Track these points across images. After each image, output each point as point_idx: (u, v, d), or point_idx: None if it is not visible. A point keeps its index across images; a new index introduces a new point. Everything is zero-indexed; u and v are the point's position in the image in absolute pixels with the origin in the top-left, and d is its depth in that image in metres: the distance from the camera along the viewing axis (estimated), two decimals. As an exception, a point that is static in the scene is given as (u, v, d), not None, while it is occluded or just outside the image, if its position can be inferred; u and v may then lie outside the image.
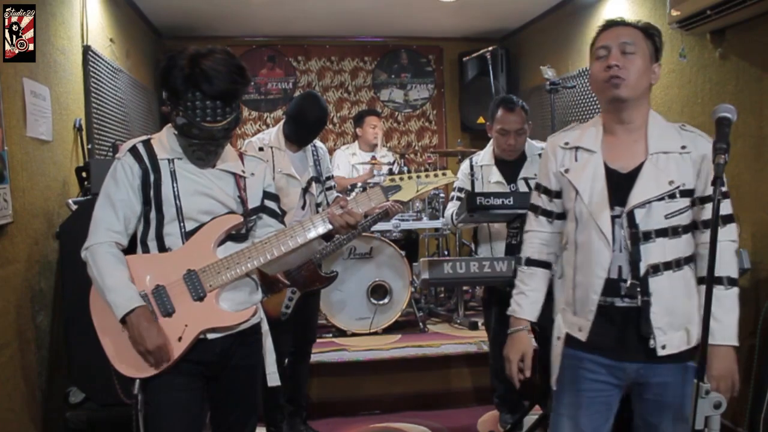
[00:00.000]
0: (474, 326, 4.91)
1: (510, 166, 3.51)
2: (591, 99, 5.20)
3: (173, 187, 2.14)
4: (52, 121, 3.47)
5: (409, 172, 2.18)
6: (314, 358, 4.03)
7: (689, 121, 3.98)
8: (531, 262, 2.22)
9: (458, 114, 7.11)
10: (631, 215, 1.98)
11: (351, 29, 6.80)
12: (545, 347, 3.63)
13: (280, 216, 2.37)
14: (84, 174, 3.59)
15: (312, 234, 2.20)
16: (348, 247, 4.73)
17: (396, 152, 6.00)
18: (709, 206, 1.97)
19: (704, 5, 3.39)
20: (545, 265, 2.22)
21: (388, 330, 4.83)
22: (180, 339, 2.08)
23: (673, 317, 1.99)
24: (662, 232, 1.98)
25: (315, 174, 3.58)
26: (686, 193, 2.00)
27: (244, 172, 2.27)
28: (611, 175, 2.04)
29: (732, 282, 2.03)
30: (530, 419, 3.45)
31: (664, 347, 1.96)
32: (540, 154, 3.49)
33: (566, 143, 2.15)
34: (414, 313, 5.01)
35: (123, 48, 5.00)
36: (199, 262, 2.13)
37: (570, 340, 2.09)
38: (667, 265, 1.98)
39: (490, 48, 5.76)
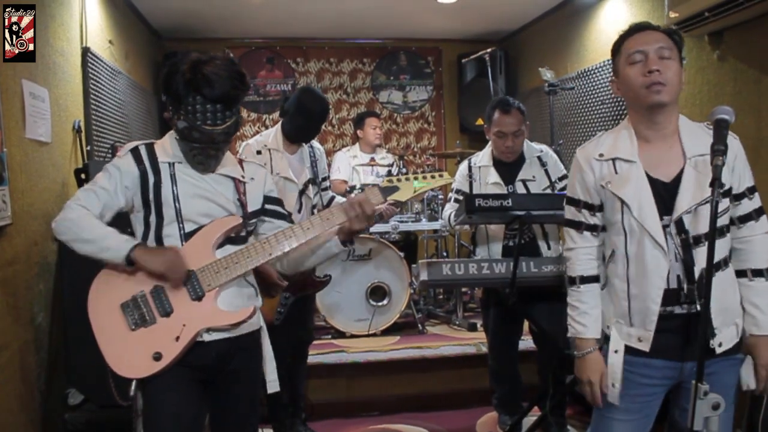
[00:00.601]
0: (473, 327, 4.91)
1: (508, 167, 3.51)
2: (590, 100, 5.21)
3: (173, 190, 2.15)
4: (51, 122, 3.47)
5: (406, 173, 2.17)
6: (313, 359, 4.03)
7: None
8: (585, 280, 2.18)
9: (457, 115, 7.12)
10: (680, 222, 1.99)
11: (350, 31, 6.81)
12: (546, 349, 3.66)
13: (286, 216, 2.38)
14: (83, 176, 3.58)
15: (311, 233, 2.19)
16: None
17: (395, 154, 6.00)
18: (744, 202, 2.04)
19: (702, 7, 3.39)
20: (597, 279, 2.19)
21: (387, 331, 4.83)
22: (177, 339, 2.09)
23: (726, 315, 2.02)
24: (709, 235, 1.93)
25: (312, 176, 3.59)
26: (726, 193, 2.01)
27: (243, 177, 2.28)
28: (654, 184, 2.03)
29: (764, 274, 2.05)
30: (529, 420, 3.45)
31: (720, 344, 1.99)
32: (539, 156, 3.51)
33: (601, 155, 2.12)
34: (413, 315, 5.01)
35: (122, 50, 5.00)
36: (197, 262, 2.14)
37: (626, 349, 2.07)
38: (717, 266, 1.99)
39: (489, 50, 5.77)
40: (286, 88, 7.03)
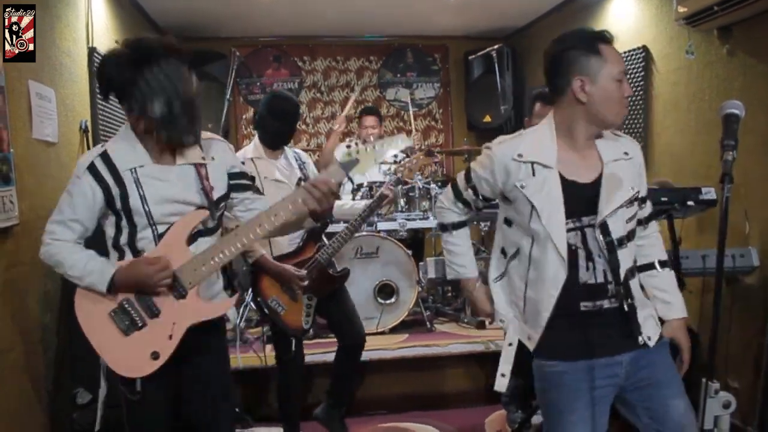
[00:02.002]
0: (481, 325, 4.89)
1: None
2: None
3: (140, 197, 2.14)
4: (57, 123, 3.48)
5: (365, 143, 2.18)
6: (321, 357, 4.03)
7: (696, 118, 4.01)
8: (456, 226, 2.40)
9: (464, 113, 7.09)
10: (604, 225, 2.03)
11: (356, 29, 6.80)
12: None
13: (251, 186, 2.39)
14: (90, 175, 3.58)
15: (282, 217, 2.16)
16: (354, 247, 4.73)
17: (402, 151, 5.98)
18: (647, 204, 2.21)
19: (711, 1, 3.37)
20: (465, 224, 2.42)
21: (395, 329, 4.82)
22: (170, 337, 2.15)
23: (643, 310, 2.11)
24: (628, 237, 2.08)
25: (302, 176, 3.58)
26: (636, 198, 2.11)
27: (204, 158, 2.25)
28: (570, 186, 2.06)
29: (668, 264, 2.24)
30: (538, 418, 3.43)
31: (649, 338, 2.07)
32: None
33: (520, 155, 2.12)
34: (421, 313, 4.99)
35: (128, 49, 5.00)
36: (174, 261, 2.15)
37: (562, 353, 2.08)
38: (640, 268, 2.17)
39: (496, 46, 5.76)
40: (293, 86, 7.03)
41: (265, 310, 3.37)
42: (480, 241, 5.97)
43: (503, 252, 2.25)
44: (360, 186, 5.18)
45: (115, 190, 2.13)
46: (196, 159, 2.24)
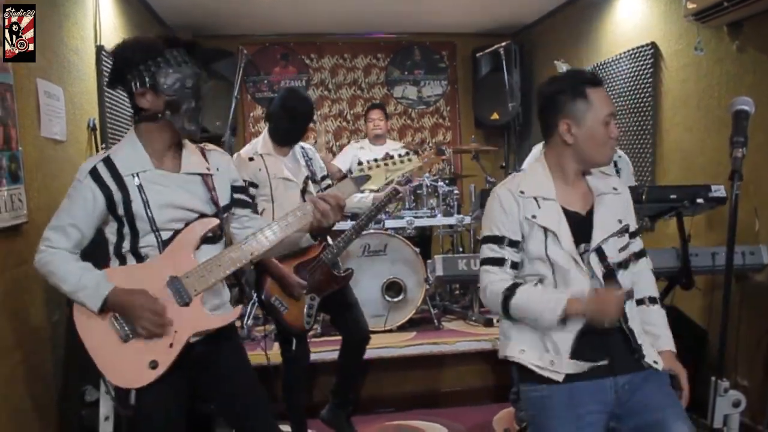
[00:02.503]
0: (489, 323, 4.88)
1: None
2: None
3: (144, 203, 2.12)
4: (66, 121, 3.48)
5: (377, 161, 2.21)
6: (329, 356, 4.03)
7: (705, 115, 3.98)
8: (511, 288, 2.16)
9: (472, 110, 7.08)
10: (600, 251, 2.13)
11: (363, 26, 6.79)
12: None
13: (251, 204, 2.42)
14: (98, 173, 3.59)
15: (295, 226, 2.18)
16: (362, 245, 4.73)
17: (409, 149, 5.98)
18: (637, 240, 2.27)
19: (721, -3, 3.34)
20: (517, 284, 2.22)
21: (403, 327, 4.82)
22: (171, 345, 2.10)
23: (643, 336, 2.15)
24: (620, 265, 2.18)
25: (309, 174, 3.57)
26: (626, 230, 2.21)
27: (209, 169, 2.26)
28: (571, 217, 2.17)
29: (657, 301, 2.28)
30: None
31: (655, 362, 2.09)
32: (615, 161, 3.50)
33: (522, 192, 2.20)
34: (429, 311, 4.99)
35: (136, 47, 5.01)
36: (180, 268, 2.13)
37: (548, 379, 2.08)
38: (629, 294, 2.15)
39: (504, 43, 5.73)
40: (301, 84, 7.03)
41: (268, 308, 3.37)
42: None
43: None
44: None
45: (118, 196, 2.12)
46: (202, 169, 2.25)
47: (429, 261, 4.77)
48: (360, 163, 2.18)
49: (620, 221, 2.19)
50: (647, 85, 4.56)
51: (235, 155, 3.58)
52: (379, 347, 4.31)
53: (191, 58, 2.17)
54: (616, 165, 3.47)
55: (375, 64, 7.20)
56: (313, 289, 3.39)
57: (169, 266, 2.13)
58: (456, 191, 5.30)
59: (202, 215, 2.20)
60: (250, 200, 2.43)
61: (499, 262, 2.19)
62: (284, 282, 3.29)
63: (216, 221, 2.20)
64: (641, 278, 2.26)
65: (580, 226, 2.15)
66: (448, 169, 7.02)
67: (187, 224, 2.17)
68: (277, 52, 7.00)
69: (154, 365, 2.08)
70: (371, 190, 3.72)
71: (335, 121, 7.12)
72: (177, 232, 2.16)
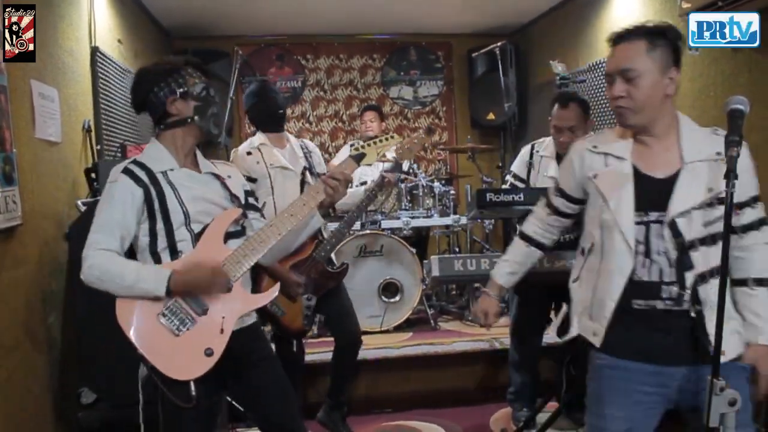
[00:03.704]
0: (486, 323, 4.87)
1: None
2: (602, 93, 5.16)
3: (177, 196, 2.22)
4: (60, 122, 3.47)
5: (365, 142, 2.51)
6: (325, 356, 4.02)
7: (701, 115, 3.97)
8: (521, 235, 2.39)
9: (468, 110, 7.08)
10: (673, 225, 1.96)
11: (359, 27, 6.79)
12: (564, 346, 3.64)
13: (259, 209, 2.54)
14: (93, 175, 3.59)
15: (311, 204, 2.35)
16: (358, 245, 4.72)
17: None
18: (747, 211, 2.01)
19: (715, -3, 3.35)
20: (529, 240, 2.38)
21: (399, 328, 4.81)
22: (222, 331, 2.18)
23: (727, 323, 1.89)
24: (703, 241, 1.96)
25: (307, 165, 3.58)
26: (716, 199, 1.95)
27: (221, 176, 2.41)
28: (644, 180, 2.02)
29: (766, 283, 2.01)
30: (543, 416, 3.43)
31: (723, 353, 1.85)
32: None
33: (594, 147, 2.15)
34: (425, 311, 4.99)
35: (131, 49, 5.00)
36: (216, 257, 2.22)
37: (612, 348, 2.04)
38: (712, 273, 1.95)
39: (500, 43, 5.73)
40: (297, 84, 7.02)
41: (265, 313, 3.36)
42: (484, 239, 5.96)
43: (582, 251, 2.21)
44: (363, 184, 5.17)
45: (153, 190, 2.20)
46: (220, 172, 2.40)
47: (425, 261, 4.77)
48: (352, 144, 2.37)
49: (710, 190, 1.95)
50: (643, 84, 4.56)
51: (233, 152, 3.62)
52: (375, 348, 4.31)
53: (202, 69, 2.36)
54: None
55: (371, 65, 7.20)
56: (309, 289, 3.39)
57: (205, 257, 2.22)
58: (452, 191, 5.30)
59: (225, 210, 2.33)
60: (259, 206, 2.58)
61: (548, 204, 2.34)
62: (282, 280, 3.28)
63: (240, 210, 2.33)
64: (750, 255, 2.01)
65: (655, 192, 1.99)
66: (444, 170, 7.04)
67: (214, 219, 2.28)
68: (272, 53, 6.99)
69: (209, 353, 2.15)
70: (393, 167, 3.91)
71: (331, 122, 7.12)
72: (206, 226, 2.25)
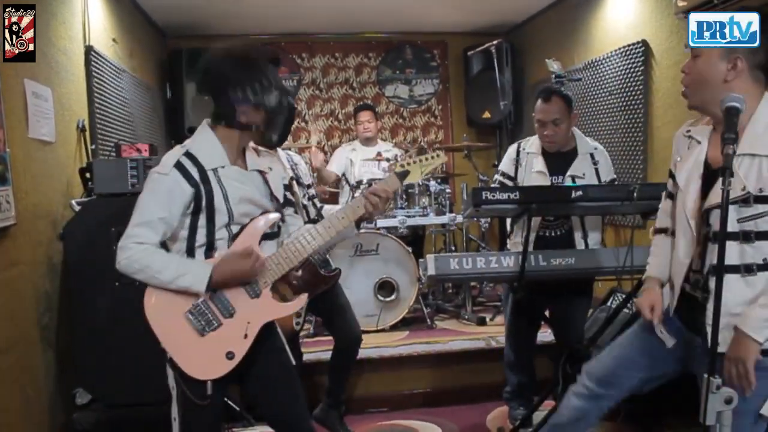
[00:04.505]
0: (482, 322, 4.88)
1: (559, 158, 3.43)
2: (597, 91, 5.16)
3: (224, 196, 2.18)
4: (54, 122, 3.46)
5: (411, 157, 2.49)
6: (321, 356, 4.02)
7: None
8: (657, 231, 2.43)
9: (464, 109, 7.07)
10: (706, 214, 2.04)
11: (355, 25, 6.78)
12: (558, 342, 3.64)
13: (293, 203, 2.52)
14: (88, 174, 3.57)
15: (350, 218, 2.33)
16: (354, 244, 4.71)
17: (401, 148, 5.99)
18: None
19: (711, -6, 3.34)
20: (666, 231, 2.37)
21: (396, 327, 4.81)
22: (246, 336, 2.19)
23: (733, 319, 1.96)
24: (733, 236, 1.97)
25: (294, 176, 3.57)
26: (763, 199, 1.95)
27: (264, 171, 2.37)
28: (709, 170, 2.09)
29: None
30: (539, 415, 3.42)
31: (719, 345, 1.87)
32: (592, 153, 3.45)
33: (687, 131, 2.24)
34: (421, 310, 4.99)
35: (126, 48, 4.99)
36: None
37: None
38: (734, 269, 1.97)
39: (495, 42, 5.73)
40: (292, 83, 7.01)
41: None
42: (481, 237, 5.96)
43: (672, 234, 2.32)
44: (359, 183, 5.16)
45: (202, 188, 2.15)
46: (263, 167, 2.35)
47: (421, 260, 4.74)
48: (396, 160, 2.37)
49: (743, 189, 1.95)
50: (638, 82, 4.56)
51: None
52: (372, 347, 4.30)
53: (278, 66, 2.31)
54: (593, 157, 3.46)
55: (366, 64, 7.19)
56: (301, 290, 3.37)
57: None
58: (448, 190, 5.29)
59: (265, 211, 2.30)
60: (293, 199, 2.54)
61: (666, 190, 2.39)
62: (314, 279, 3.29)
63: (278, 216, 2.32)
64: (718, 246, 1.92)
65: (709, 181, 2.06)
66: (440, 168, 7.02)
67: (251, 219, 2.25)
68: (268, 52, 6.96)
69: (231, 356, 2.16)
70: (360, 183, 3.85)
71: (327, 121, 7.11)
72: (243, 227, 2.23)
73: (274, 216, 2.30)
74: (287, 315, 2.32)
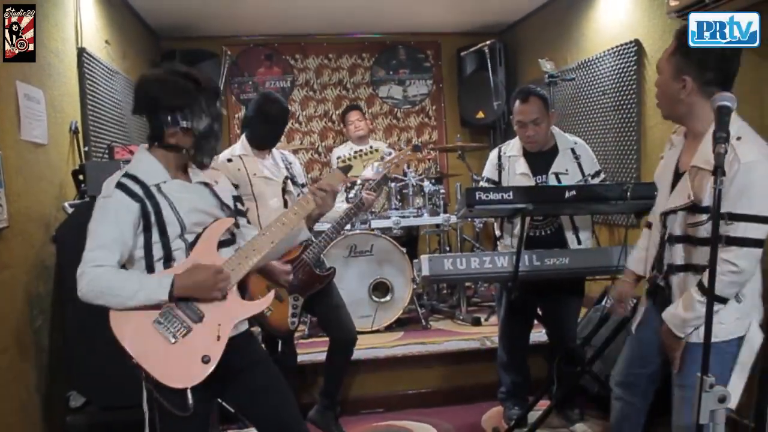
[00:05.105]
0: (477, 322, 4.88)
1: (540, 158, 3.45)
2: (590, 91, 5.16)
3: (172, 208, 2.20)
4: (47, 124, 3.45)
5: (351, 155, 2.66)
6: (316, 357, 4.02)
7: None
8: (645, 225, 2.65)
9: (457, 109, 7.07)
10: (664, 217, 2.32)
11: (348, 26, 6.78)
12: (552, 342, 3.65)
13: (245, 214, 2.54)
14: (80, 177, 3.56)
15: (302, 213, 2.43)
16: (348, 245, 4.71)
17: (395, 148, 5.98)
18: (731, 225, 2.08)
19: (703, -6, 3.35)
20: (649, 226, 2.60)
21: (390, 328, 4.81)
22: (218, 338, 2.18)
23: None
24: (681, 239, 2.25)
25: (288, 175, 3.57)
26: (704, 210, 2.14)
27: (210, 183, 2.40)
28: (677, 171, 2.33)
29: (705, 292, 2.09)
30: (534, 415, 3.43)
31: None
32: (572, 149, 3.46)
33: (673, 132, 2.45)
34: (416, 310, 4.98)
35: (119, 49, 4.97)
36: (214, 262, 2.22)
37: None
38: (683, 268, 2.25)
39: (488, 42, 5.73)
40: (285, 84, 7.00)
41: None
42: (475, 238, 5.96)
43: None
44: (353, 184, 5.16)
45: (148, 204, 2.16)
46: (209, 180, 2.38)
47: (415, 261, 4.75)
48: (339, 157, 2.42)
49: (689, 197, 2.17)
50: (631, 82, 4.57)
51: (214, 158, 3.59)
52: (366, 348, 4.30)
53: (215, 98, 2.32)
54: (574, 152, 3.47)
55: (360, 64, 7.19)
56: (296, 289, 3.38)
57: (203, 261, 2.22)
58: (442, 190, 5.29)
59: (217, 219, 2.32)
60: (245, 210, 2.55)
61: None
62: (267, 271, 3.27)
63: (232, 220, 2.34)
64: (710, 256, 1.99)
65: (675, 186, 2.30)
66: (434, 169, 7.03)
67: (205, 228, 2.27)
68: (261, 53, 6.97)
69: (206, 359, 2.14)
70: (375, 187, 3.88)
71: (320, 122, 7.10)
72: (199, 235, 2.25)
73: (228, 220, 2.32)
74: (255, 313, 2.32)
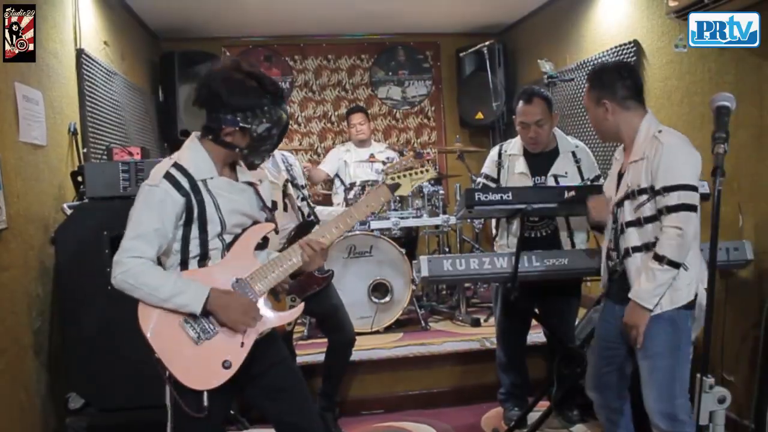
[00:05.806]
0: (476, 323, 4.88)
1: (541, 159, 3.44)
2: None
3: (216, 206, 2.19)
4: (45, 125, 3.45)
5: (402, 171, 2.55)
6: (316, 358, 4.01)
7: (689, 112, 3.99)
8: None
9: (456, 110, 7.07)
10: (615, 211, 2.61)
11: (347, 27, 6.77)
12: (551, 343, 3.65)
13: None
14: (79, 178, 3.56)
15: (349, 224, 2.42)
16: (348, 246, 4.71)
17: (394, 149, 5.98)
18: (667, 195, 2.40)
19: (702, -6, 3.34)
20: None
21: (390, 329, 4.80)
22: (242, 344, 2.17)
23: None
24: (632, 223, 2.53)
25: (289, 177, 3.57)
26: (642, 191, 2.47)
27: (255, 183, 2.39)
28: (620, 175, 2.65)
29: (659, 259, 2.40)
30: (534, 415, 3.43)
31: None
32: (573, 152, 3.48)
33: (617, 152, 2.79)
34: (416, 311, 4.98)
35: (118, 51, 4.97)
36: (244, 270, 2.24)
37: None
38: (637, 249, 2.51)
39: (488, 43, 5.73)
40: (285, 85, 6.99)
41: None
42: (474, 239, 5.96)
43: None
44: (353, 185, 5.16)
45: (193, 198, 2.15)
46: (254, 179, 2.38)
47: (415, 261, 4.75)
48: (387, 173, 2.50)
49: (628, 186, 2.52)
50: (630, 82, 4.56)
51: None
52: (366, 349, 4.30)
53: (279, 102, 2.25)
54: (575, 155, 3.48)
55: (359, 65, 7.19)
56: (293, 290, 3.37)
57: (234, 269, 2.22)
58: (441, 191, 5.28)
59: (255, 222, 2.32)
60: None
61: None
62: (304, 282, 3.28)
63: (272, 225, 2.34)
64: (662, 236, 2.42)
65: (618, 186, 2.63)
66: (434, 169, 7.01)
67: (244, 229, 2.27)
68: (260, 54, 6.96)
69: (227, 365, 2.13)
70: (354, 185, 3.84)
71: (320, 123, 7.10)
72: (237, 237, 2.25)
73: (268, 225, 2.32)
74: (284, 323, 2.32)
